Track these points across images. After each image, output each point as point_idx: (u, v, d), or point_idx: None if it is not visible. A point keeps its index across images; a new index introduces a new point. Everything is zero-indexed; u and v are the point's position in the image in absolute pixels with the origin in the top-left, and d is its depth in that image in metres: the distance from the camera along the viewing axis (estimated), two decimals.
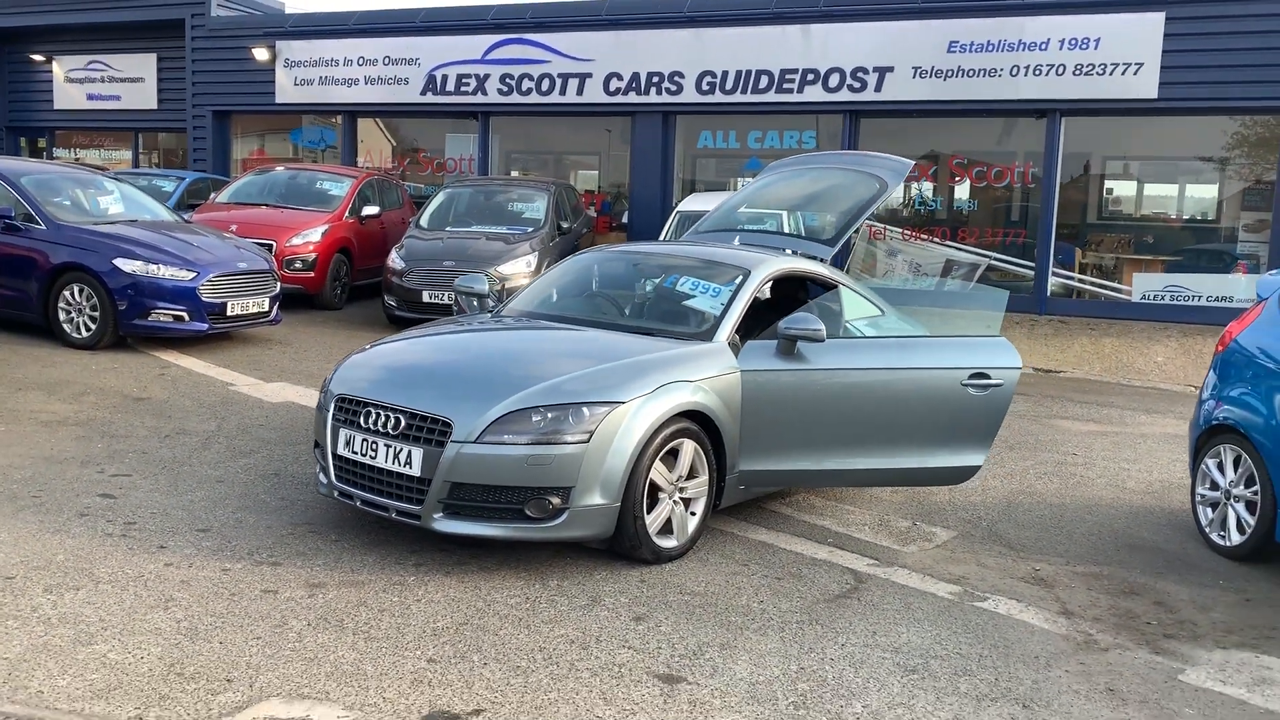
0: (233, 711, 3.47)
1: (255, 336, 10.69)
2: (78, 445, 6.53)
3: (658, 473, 4.95)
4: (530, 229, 12.69)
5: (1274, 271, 5.95)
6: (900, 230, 14.65)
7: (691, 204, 12.51)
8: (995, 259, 14.14)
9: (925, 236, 14.47)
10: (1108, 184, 15.21)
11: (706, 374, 5.23)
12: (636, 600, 4.60)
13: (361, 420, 4.95)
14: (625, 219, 15.87)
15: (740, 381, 5.36)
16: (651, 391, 4.92)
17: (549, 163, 18.06)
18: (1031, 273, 13.84)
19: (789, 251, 6.70)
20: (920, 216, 14.81)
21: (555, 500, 4.69)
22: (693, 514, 5.20)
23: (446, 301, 11.58)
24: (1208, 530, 5.77)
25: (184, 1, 18.14)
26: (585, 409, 4.75)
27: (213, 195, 14.37)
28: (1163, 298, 13.38)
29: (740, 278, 5.89)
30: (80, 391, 7.93)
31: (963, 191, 14.74)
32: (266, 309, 10.21)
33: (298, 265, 12.52)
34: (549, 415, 4.73)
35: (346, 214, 13.41)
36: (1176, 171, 14.71)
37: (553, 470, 4.66)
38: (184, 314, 9.42)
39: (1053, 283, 13.82)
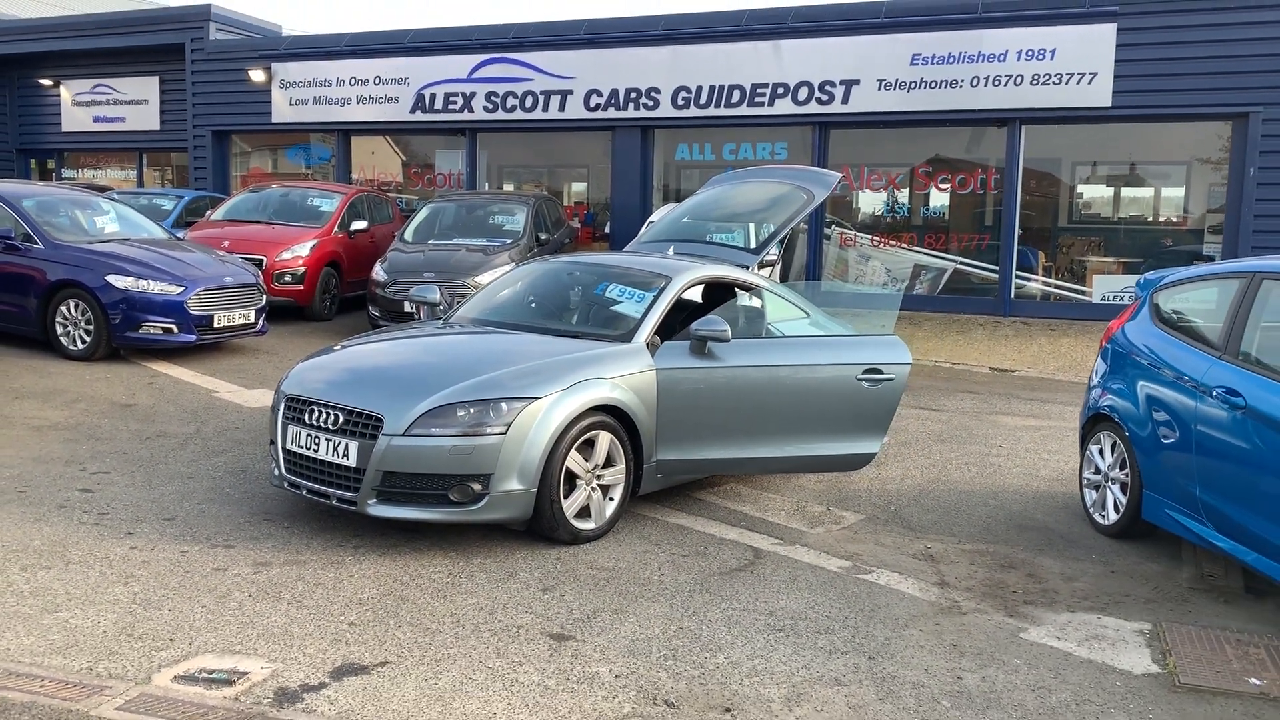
0: (171, 664, 4.03)
1: (242, 347, 11.30)
2: (65, 447, 7.13)
3: (574, 461, 5.49)
4: (509, 241, 13.26)
5: (1154, 272, 6.44)
6: (870, 237, 15.16)
7: (662, 214, 13.05)
8: (962, 263, 14.63)
9: (894, 243, 14.97)
10: (1072, 189, 15.70)
11: (623, 371, 5.77)
12: (548, 575, 5.14)
13: (307, 417, 5.51)
14: (608, 229, 16.44)
15: (656, 378, 5.89)
16: (567, 388, 5.47)
17: (542, 175, 18.66)
18: (997, 276, 14.33)
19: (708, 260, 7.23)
20: (891, 223, 15.32)
21: (476, 486, 5.23)
22: (610, 499, 5.73)
23: None
24: (1091, 511, 6.26)
25: (184, 26, 18.86)
26: (504, 404, 5.30)
27: (209, 213, 15.01)
28: (1121, 298, 13.83)
29: (663, 284, 6.43)
30: (72, 399, 8.53)
31: (931, 198, 15.23)
32: (252, 320, 10.81)
33: (287, 279, 13.13)
34: (471, 410, 5.28)
35: (336, 229, 14.02)
36: (1137, 176, 15.17)
37: (474, 459, 5.21)
38: (173, 326, 10.03)
39: (1016, 285, 14.30)
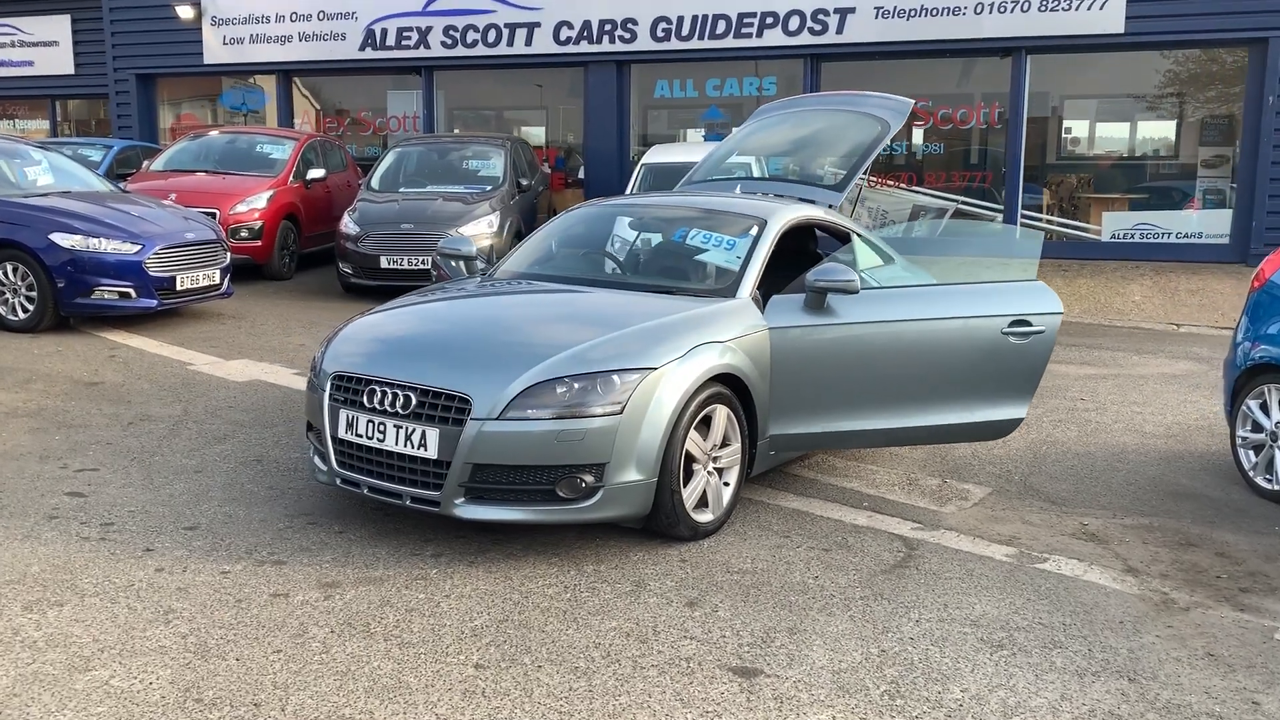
0: None
1: (206, 312, 10.05)
2: (33, 438, 5.95)
3: (693, 443, 4.56)
4: (489, 188, 12.14)
5: None
6: (866, 177, 14.31)
7: (657, 156, 12.04)
8: (964, 203, 13.90)
9: (891, 183, 14.17)
10: (1067, 123, 15.07)
11: (734, 333, 4.84)
12: (684, 583, 4.22)
13: (365, 399, 4.48)
14: (581, 175, 15.34)
15: (769, 340, 4.98)
16: (684, 355, 4.52)
17: (490, 120, 17.41)
18: (999, 215, 13.64)
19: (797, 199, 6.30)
20: (883, 162, 14.50)
21: (588, 478, 4.28)
22: (726, 484, 4.83)
23: (407, 267, 11.04)
24: (1252, 474, 5.55)
25: None
26: (616, 377, 4.34)
27: (145, 163, 13.55)
28: (1132, 236, 13.28)
29: (756, 228, 5.49)
30: (25, 379, 7.30)
31: (927, 135, 14.45)
32: (218, 282, 9.58)
33: (244, 234, 11.83)
34: (575, 386, 4.30)
35: (291, 178, 12.71)
36: (1138, 109, 14.57)
37: (586, 445, 4.24)
38: (130, 290, 8.77)
39: (1021, 224, 13.63)
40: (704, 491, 4.67)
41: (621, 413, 4.28)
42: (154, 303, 8.91)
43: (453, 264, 6.20)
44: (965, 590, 4.25)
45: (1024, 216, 13.62)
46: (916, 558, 4.60)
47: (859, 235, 6.20)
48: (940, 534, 4.91)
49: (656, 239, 5.84)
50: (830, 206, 6.28)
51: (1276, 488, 5.36)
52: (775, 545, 4.68)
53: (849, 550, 4.65)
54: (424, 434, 4.31)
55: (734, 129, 7.45)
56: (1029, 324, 5.18)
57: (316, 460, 4.81)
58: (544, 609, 3.95)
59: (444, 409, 4.30)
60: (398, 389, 4.40)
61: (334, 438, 4.60)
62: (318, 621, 3.79)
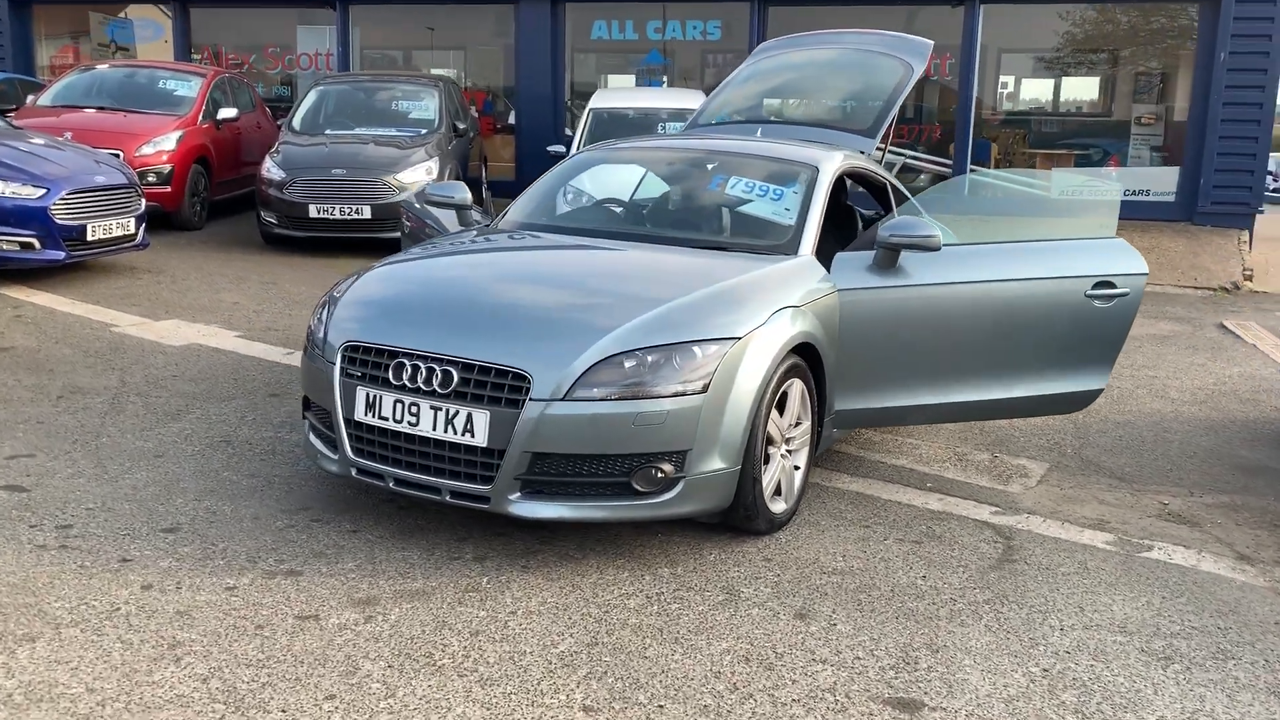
0: None
1: (118, 265, 8.95)
2: None
3: (772, 423, 3.95)
4: (424, 131, 11.20)
5: None
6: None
7: (606, 101, 11.28)
8: (911, 157, 13.54)
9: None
10: (1005, 79, 14.85)
11: (804, 297, 4.24)
12: (780, 589, 3.63)
13: (391, 375, 3.73)
14: (512, 120, 14.43)
15: (838, 303, 4.39)
16: (765, 321, 3.90)
17: (397, 61, 16.29)
18: (949, 170, 13.31)
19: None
20: None
21: (667, 468, 3.63)
22: (796, 468, 4.24)
23: (340, 216, 10.10)
24: None
25: None
26: (697, 349, 3.69)
27: (31, 98, 12.14)
28: (1080, 192, 13.08)
29: (807, 176, 4.88)
30: None
31: None
32: (132, 231, 8.50)
33: (151, 179, 10.62)
34: (649, 360, 3.64)
35: (201, 118, 11.53)
36: (1078, 64, 14.43)
37: (666, 430, 3.59)
38: (34, 240, 7.68)
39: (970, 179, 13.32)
40: (778, 479, 4.08)
41: (705, 391, 3.64)
42: (62, 254, 7.83)
43: (422, 213, 5.44)
44: (1090, 588, 3.77)
45: (974, 171, 13.31)
46: (1017, 549, 4.10)
47: (897, 187, 5.66)
48: (1025, 519, 4.43)
49: (690, 189, 5.17)
50: (862, 153, 5.70)
51: None
52: (859, 538, 4.12)
53: (941, 542, 4.13)
54: (470, 417, 3.59)
55: (736, 71, 6.77)
56: (1113, 285, 4.70)
57: (319, 445, 4.04)
58: (635, 627, 3.31)
59: (494, 387, 3.59)
60: (434, 363, 3.66)
61: (348, 420, 3.84)
62: (366, 653, 3.08)
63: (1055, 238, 4.89)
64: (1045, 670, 3.17)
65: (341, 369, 3.86)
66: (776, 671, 3.09)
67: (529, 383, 3.55)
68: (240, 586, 3.46)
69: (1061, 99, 15.06)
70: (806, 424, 4.23)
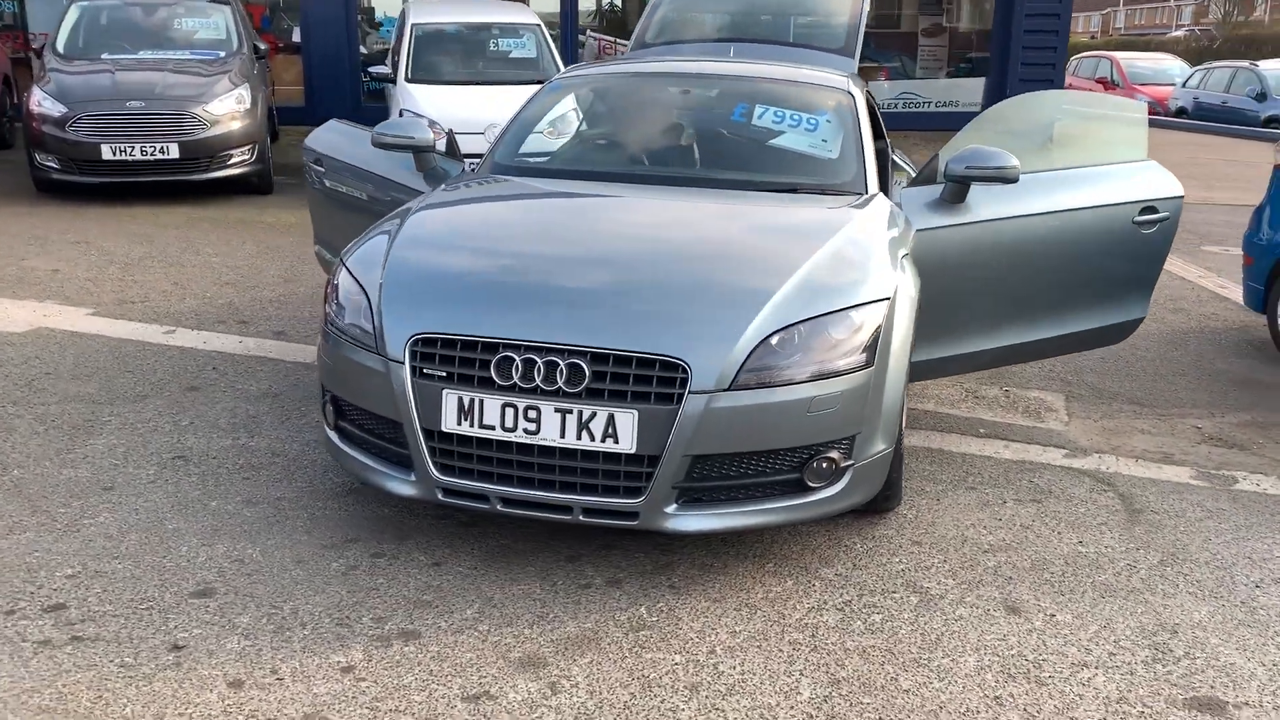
0: None
1: None
2: None
3: None
4: (222, 53, 9.76)
5: None
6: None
7: (426, 15, 10.21)
8: None
9: None
10: None
11: (908, 241, 3.82)
12: (961, 579, 3.24)
13: (495, 373, 2.98)
14: (296, 38, 12.91)
15: (917, 244, 3.98)
16: (897, 273, 3.43)
17: None
18: None
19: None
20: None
21: (835, 457, 3.12)
22: None
23: (140, 157, 8.64)
24: None
25: None
26: (854, 314, 3.17)
27: None
28: (896, 105, 13.30)
29: (844, 102, 4.42)
30: None
31: None
32: None
33: None
34: (808, 334, 3.09)
35: None
36: None
37: (838, 415, 3.07)
38: None
39: None
40: None
41: (870, 364, 3.15)
42: None
43: (356, 160, 4.60)
44: (1235, 534, 3.61)
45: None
46: (1129, 498, 3.90)
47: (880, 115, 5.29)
48: (1099, 459, 4.26)
49: (716, 121, 4.55)
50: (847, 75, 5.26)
51: None
52: (979, 504, 3.79)
53: (1057, 498, 3.87)
54: (610, 419, 2.92)
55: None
56: (1155, 210, 4.55)
57: (374, 464, 3.23)
58: (860, 653, 2.82)
59: (640, 380, 2.93)
60: (555, 355, 2.95)
61: (431, 432, 3.06)
62: None
63: (1097, 163, 4.66)
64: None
65: (415, 369, 3.06)
66: (1048, 686, 2.71)
67: (685, 373, 2.92)
68: (357, 665, 2.69)
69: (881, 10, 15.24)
70: None
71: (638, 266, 3.33)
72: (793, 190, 4.04)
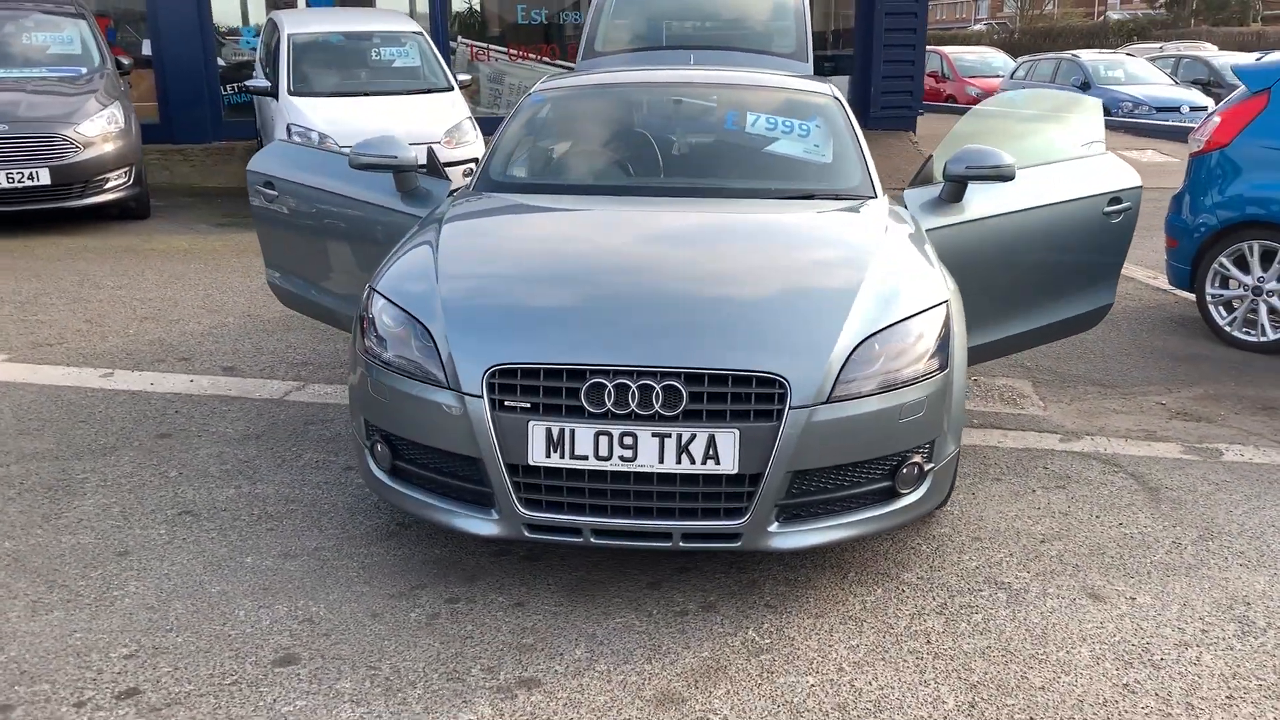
0: None
1: None
2: None
3: None
4: (84, 70, 9.12)
5: (1256, 56, 5.90)
6: (506, 50, 13.01)
7: (299, 25, 9.81)
8: (565, 67, 13.18)
9: (534, 56, 13.01)
10: None
11: (928, 242, 3.89)
12: (1032, 570, 3.32)
13: (586, 401, 2.87)
14: (146, 50, 12.14)
15: None
16: (943, 275, 3.49)
17: None
18: None
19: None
20: (528, 31, 13.23)
21: (919, 460, 3.15)
22: None
23: (8, 185, 7.98)
24: (1228, 328, 5.77)
25: None
26: (921, 320, 3.19)
27: None
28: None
29: (831, 106, 4.48)
30: None
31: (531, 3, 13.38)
32: None
33: None
34: (888, 342, 3.10)
35: None
36: None
37: (922, 420, 3.09)
38: None
39: None
40: None
41: (944, 367, 3.18)
42: None
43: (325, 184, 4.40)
44: (1248, 504, 3.82)
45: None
46: (1142, 478, 4.08)
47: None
48: (1094, 442, 4.45)
49: (708, 130, 4.50)
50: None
51: (1262, 339, 5.62)
52: (1012, 494, 3.90)
53: (1079, 484, 4.01)
54: (711, 440, 2.85)
55: None
56: (1121, 200, 4.77)
57: (448, 504, 3.06)
58: (982, 655, 2.84)
59: (738, 399, 2.88)
60: (648, 378, 2.86)
61: (515, 467, 2.92)
62: None
63: (1065, 158, 4.85)
64: None
65: (494, 401, 2.91)
66: (1165, 669, 2.79)
67: (785, 388, 2.88)
68: None
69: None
70: None
71: (709, 282, 3.27)
72: (808, 197, 4.04)
